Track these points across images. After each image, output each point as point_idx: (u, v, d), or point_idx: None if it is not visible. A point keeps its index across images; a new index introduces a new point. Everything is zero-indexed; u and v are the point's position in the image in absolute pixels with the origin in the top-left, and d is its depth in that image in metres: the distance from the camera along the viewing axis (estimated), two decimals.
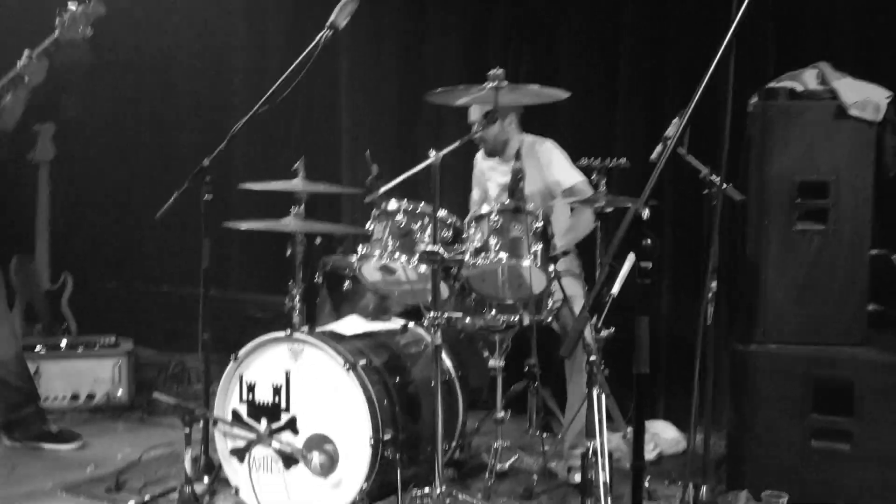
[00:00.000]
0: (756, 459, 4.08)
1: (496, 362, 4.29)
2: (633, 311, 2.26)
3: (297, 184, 4.19)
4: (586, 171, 4.21)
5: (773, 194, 4.14)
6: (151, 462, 4.63)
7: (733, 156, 4.64)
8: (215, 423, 4.04)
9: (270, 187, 4.29)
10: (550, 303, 4.11)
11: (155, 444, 4.83)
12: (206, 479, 4.14)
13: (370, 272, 4.20)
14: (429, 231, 3.84)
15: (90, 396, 5.71)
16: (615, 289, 3.06)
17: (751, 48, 4.93)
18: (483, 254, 3.85)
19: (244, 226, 4.34)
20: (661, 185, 5.18)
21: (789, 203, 4.12)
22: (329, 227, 4.57)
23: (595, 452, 3.52)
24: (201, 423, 4.19)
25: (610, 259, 2.25)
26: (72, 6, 4.46)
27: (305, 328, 4.07)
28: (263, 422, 3.95)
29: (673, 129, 3.92)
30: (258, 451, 3.96)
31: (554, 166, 4.70)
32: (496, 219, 3.87)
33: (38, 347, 5.77)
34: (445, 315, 3.86)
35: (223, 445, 4.05)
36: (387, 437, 3.77)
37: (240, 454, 4.00)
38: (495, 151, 4.87)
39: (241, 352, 4.01)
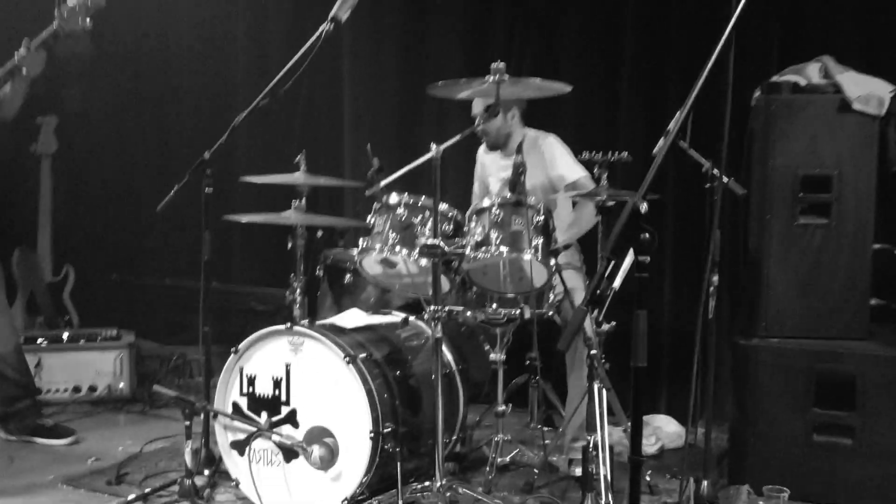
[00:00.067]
0: (758, 454, 4.07)
1: (497, 356, 4.29)
2: (641, 304, 2.25)
3: (298, 177, 4.18)
4: (588, 165, 4.21)
5: (776, 188, 4.13)
6: (152, 455, 4.63)
7: (737, 150, 4.65)
8: (215, 415, 4.04)
9: (272, 180, 4.28)
10: (552, 296, 4.09)
11: (156, 436, 4.84)
12: (206, 471, 4.13)
13: (371, 265, 4.19)
14: (430, 224, 3.83)
15: (92, 389, 5.72)
16: (617, 283, 3.05)
17: (755, 42, 4.93)
18: (484, 247, 3.83)
19: (245, 219, 4.33)
20: (664, 179, 5.19)
21: (792, 197, 4.10)
22: (330, 220, 4.56)
23: (596, 446, 3.52)
24: (202, 416, 4.18)
25: (608, 252, 2.23)
26: None
27: (306, 321, 4.07)
28: (264, 415, 3.94)
29: (677, 123, 3.89)
30: (258, 444, 3.95)
31: (558, 161, 4.69)
32: (497, 212, 3.85)
33: (40, 340, 5.77)
34: (446, 308, 3.86)
35: (223, 438, 4.04)
36: (387, 430, 3.76)
37: (240, 447, 3.99)
38: (497, 145, 4.86)
39: (242, 344, 4.00)
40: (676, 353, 5.21)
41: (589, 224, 4.53)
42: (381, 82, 6.31)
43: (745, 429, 4.14)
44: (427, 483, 3.80)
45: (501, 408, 4.28)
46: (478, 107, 4.70)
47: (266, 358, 3.97)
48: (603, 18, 5.56)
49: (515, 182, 3.85)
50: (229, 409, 4.02)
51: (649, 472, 4.15)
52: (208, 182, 4.21)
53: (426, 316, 3.76)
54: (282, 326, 3.94)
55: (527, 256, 3.83)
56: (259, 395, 3.98)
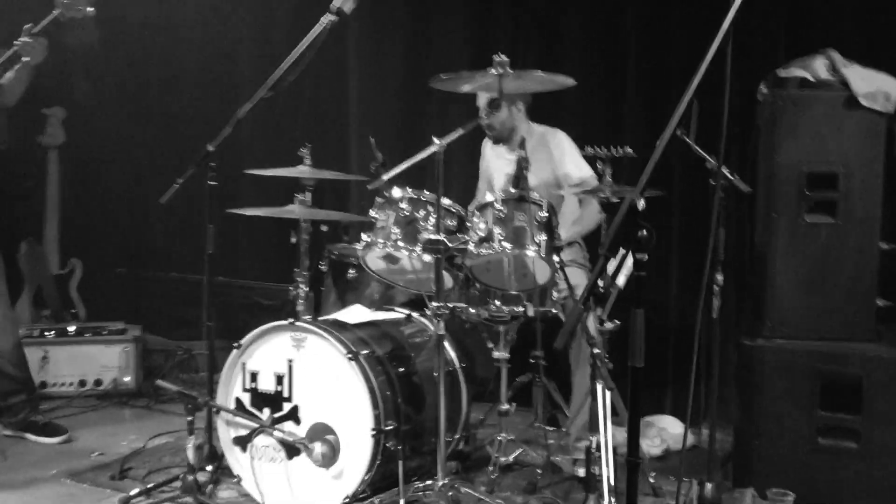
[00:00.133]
0: (763, 456, 4.02)
1: (501, 354, 4.26)
2: (638, 303, 2.24)
3: (302, 170, 4.16)
4: (592, 160, 4.18)
5: (782, 185, 4.08)
6: (156, 450, 4.64)
7: (743, 146, 4.62)
8: (217, 411, 4.03)
9: (275, 173, 4.26)
10: (556, 294, 4.06)
11: (160, 431, 4.85)
12: (209, 467, 4.12)
13: (374, 261, 4.17)
14: (433, 220, 3.81)
15: (97, 382, 5.73)
16: (621, 281, 3.03)
17: (760, 34, 4.89)
18: (487, 243, 3.81)
19: (249, 212, 4.31)
20: (669, 176, 5.15)
21: (798, 195, 4.05)
22: (333, 214, 4.54)
23: (599, 447, 3.49)
24: (205, 412, 4.17)
25: (605, 249, 2.22)
26: None
27: (308, 317, 4.05)
28: (266, 411, 3.93)
29: (674, 117, 3.86)
30: (260, 441, 3.94)
31: (566, 158, 4.67)
32: (500, 208, 3.82)
33: (46, 333, 5.77)
34: (449, 305, 3.83)
35: (226, 434, 4.04)
36: (389, 427, 3.75)
37: (242, 443, 3.99)
38: (502, 138, 4.84)
39: (244, 340, 4.00)
40: (682, 352, 5.18)
41: (593, 221, 4.52)
42: (386, 76, 6.29)
43: (749, 431, 4.09)
44: (429, 482, 3.79)
45: (505, 406, 4.25)
46: (482, 100, 4.68)
47: (268, 354, 3.97)
48: (607, 13, 5.52)
49: (518, 177, 3.82)
50: (232, 405, 4.02)
51: (653, 473, 4.12)
52: (212, 175, 4.19)
53: (429, 312, 3.74)
54: (284, 322, 3.93)
55: (530, 253, 3.80)
56: (261, 390, 3.97)
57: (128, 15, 6.53)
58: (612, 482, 3.46)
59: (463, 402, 4.30)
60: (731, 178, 3.89)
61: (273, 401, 3.94)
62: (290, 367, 3.91)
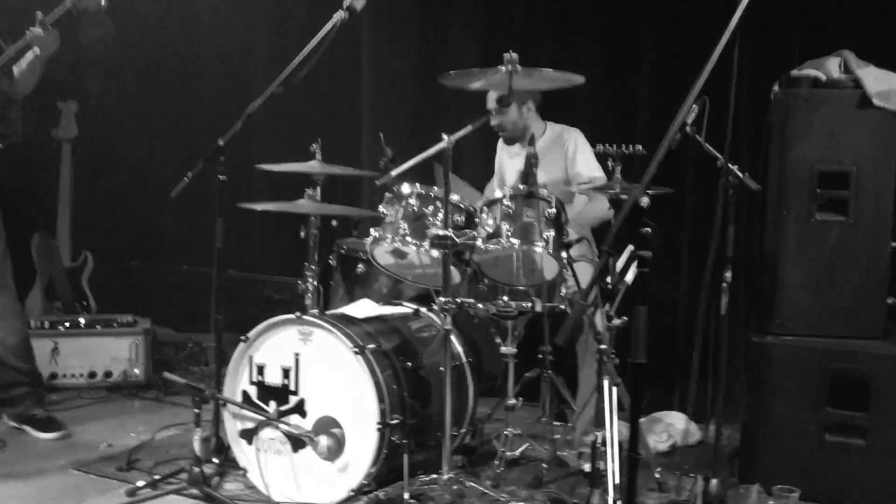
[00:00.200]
0: (770, 453, 4.02)
1: (508, 349, 4.26)
2: (649, 299, 2.24)
3: (313, 165, 4.16)
4: (602, 157, 4.17)
5: (793, 184, 4.07)
6: (164, 442, 4.65)
7: (756, 145, 4.60)
8: (224, 404, 4.04)
9: (286, 168, 4.27)
10: (564, 289, 4.05)
11: (169, 423, 4.86)
12: (215, 459, 4.13)
13: (382, 256, 4.17)
14: (441, 215, 3.81)
15: (107, 375, 5.74)
16: (629, 278, 3.02)
17: (775, 35, 4.87)
18: (495, 239, 3.80)
19: (259, 207, 4.32)
20: (682, 174, 5.15)
21: (809, 193, 4.04)
22: (342, 209, 4.54)
23: (605, 442, 3.49)
24: (212, 404, 4.18)
25: (607, 246, 2.22)
26: None
27: (316, 311, 4.06)
28: (272, 404, 3.94)
29: (692, 116, 3.86)
30: (266, 434, 3.95)
31: (578, 157, 4.69)
32: (509, 204, 3.82)
33: (56, 325, 5.80)
34: (457, 300, 3.83)
35: (232, 427, 4.05)
36: (394, 421, 3.75)
37: (248, 436, 4.00)
38: (515, 139, 4.85)
39: (252, 333, 4.00)
40: (691, 349, 5.16)
41: (599, 213, 4.53)
42: (399, 73, 6.30)
43: (757, 427, 4.09)
44: (434, 476, 3.79)
45: (512, 401, 4.25)
46: (492, 101, 4.69)
47: (275, 347, 3.97)
48: (621, 11, 5.52)
49: (527, 174, 3.82)
50: (238, 398, 4.03)
51: (659, 468, 4.10)
52: (222, 169, 4.20)
53: (436, 307, 3.74)
54: (291, 315, 3.94)
55: (538, 249, 3.79)
56: (268, 384, 3.98)
57: (142, 9, 6.56)
58: (618, 477, 3.45)
59: (469, 397, 4.30)
60: (741, 175, 3.88)
61: (279, 394, 3.94)
62: (297, 361, 3.91)
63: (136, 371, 5.78)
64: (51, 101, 6.46)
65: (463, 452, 4.33)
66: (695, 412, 3.46)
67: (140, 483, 3.96)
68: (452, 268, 3.88)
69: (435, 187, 3.97)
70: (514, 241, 3.77)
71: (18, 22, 4.54)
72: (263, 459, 3.94)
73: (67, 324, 5.84)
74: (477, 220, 3.92)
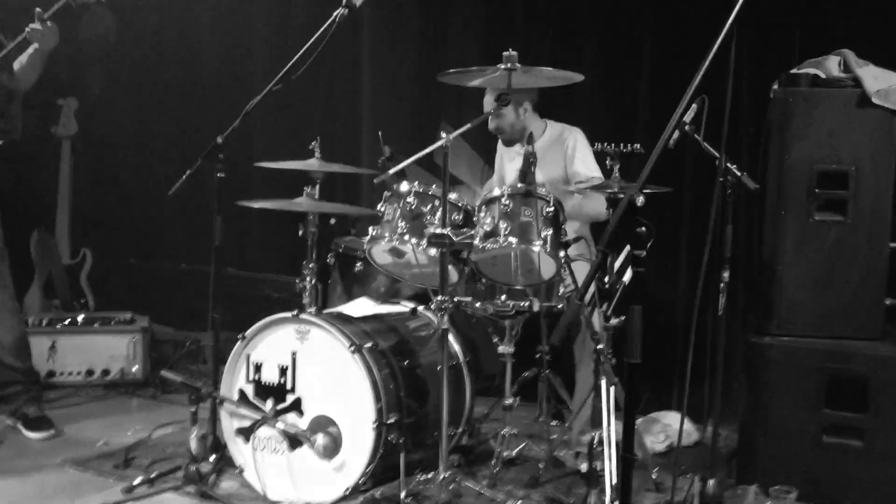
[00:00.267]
0: (767, 453, 4.01)
1: (506, 348, 4.24)
2: (648, 299, 2.23)
3: (312, 163, 4.16)
4: (601, 156, 4.16)
5: (792, 184, 4.06)
6: (161, 440, 4.64)
7: (756, 144, 4.59)
8: (220, 402, 4.03)
9: (285, 166, 4.26)
10: (562, 289, 4.04)
11: (166, 421, 4.85)
12: (212, 458, 4.12)
13: (380, 254, 4.16)
14: (439, 214, 3.80)
15: (105, 372, 5.73)
16: (626, 277, 3.01)
17: (775, 34, 4.86)
18: (492, 238, 3.79)
19: (257, 205, 4.32)
20: (681, 173, 5.14)
21: (808, 193, 4.03)
22: (341, 207, 4.53)
23: (602, 442, 3.48)
24: (208, 402, 4.18)
25: (603, 245, 2.20)
26: None
27: (313, 309, 4.05)
28: (269, 402, 3.93)
29: (690, 114, 3.85)
30: (263, 432, 3.95)
31: (577, 156, 4.67)
32: (507, 202, 3.80)
33: (54, 322, 5.79)
34: (454, 299, 3.82)
35: (229, 425, 4.05)
36: (391, 420, 3.75)
37: (245, 434, 4.00)
38: (513, 140, 4.84)
39: (249, 331, 4.01)
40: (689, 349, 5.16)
41: (594, 209, 4.52)
42: (399, 72, 6.29)
43: (755, 428, 4.08)
44: (430, 475, 3.78)
45: (509, 401, 4.24)
46: (489, 104, 4.69)
47: (273, 345, 3.97)
48: (621, 10, 5.51)
49: (525, 172, 3.81)
50: (235, 396, 4.03)
51: (656, 469, 4.10)
52: (220, 167, 4.19)
53: (433, 306, 3.73)
54: (288, 314, 3.93)
55: (536, 248, 3.78)
56: (265, 382, 3.98)
57: (142, 6, 6.56)
58: (615, 478, 3.44)
59: (466, 396, 4.29)
60: (739, 175, 3.87)
61: (276, 392, 3.94)
62: (294, 359, 3.91)
63: (134, 369, 5.77)
64: (51, 97, 6.46)
65: (460, 452, 4.33)
66: (683, 410, 3.45)
67: (137, 481, 3.95)
68: (450, 267, 3.86)
69: (435, 185, 3.95)
70: (512, 239, 3.76)
71: (18, 18, 4.54)
72: (260, 458, 3.93)
73: (66, 321, 5.82)
74: (475, 218, 3.90)
